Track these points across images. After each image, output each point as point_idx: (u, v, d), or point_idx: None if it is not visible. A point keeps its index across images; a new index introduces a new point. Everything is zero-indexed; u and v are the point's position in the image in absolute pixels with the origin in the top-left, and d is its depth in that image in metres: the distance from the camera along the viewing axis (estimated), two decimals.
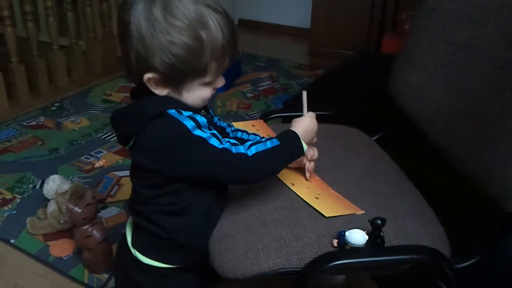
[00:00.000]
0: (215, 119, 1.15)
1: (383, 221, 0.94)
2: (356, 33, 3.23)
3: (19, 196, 2.05)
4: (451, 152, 1.21)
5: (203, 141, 0.91)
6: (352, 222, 1.01)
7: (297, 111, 1.72)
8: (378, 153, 1.36)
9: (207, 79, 0.93)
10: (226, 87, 3.03)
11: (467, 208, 1.32)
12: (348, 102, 2.01)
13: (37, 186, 2.10)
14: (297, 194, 1.10)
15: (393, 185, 1.20)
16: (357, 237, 0.93)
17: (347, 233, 0.94)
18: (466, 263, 1.03)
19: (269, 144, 0.97)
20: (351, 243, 0.93)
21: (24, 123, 2.65)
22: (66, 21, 3.04)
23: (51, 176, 1.96)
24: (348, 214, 1.05)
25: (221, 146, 0.93)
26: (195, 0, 0.88)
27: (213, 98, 3.00)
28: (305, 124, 1.06)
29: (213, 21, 0.89)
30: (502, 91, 1.06)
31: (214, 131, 0.96)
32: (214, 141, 0.92)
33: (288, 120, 1.62)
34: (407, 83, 1.39)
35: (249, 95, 3.03)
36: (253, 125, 1.37)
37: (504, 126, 1.02)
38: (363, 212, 1.06)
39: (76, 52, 3.11)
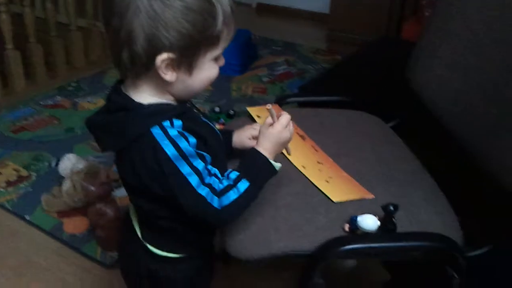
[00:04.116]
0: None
1: (396, 207, 0.93)
2: (376, 19, 3.19)
3: (34, 174, 2.08)
4: (468, 141, 1.20)
5: (182, 177, 0.85)
6: (365, 207, 1.00)
7: (312, 96, 1.72)
8: (393, 140, 1.35)
9: (218, 50, 0.89)
10: (242, 71, 3.02)
11: (482, 197, 1.31)
12: (366, 88, 1.99)
13: (53, 165, 2.13)
14: (307, 178, 1.10)
15: (407, 172, 1.19)
16: (369, 222, 0.93)
17: (359, 218, 0.94)
18: (478, 252, 1.01)
19: (241, 188, 0.89)
20: (363, 228, 0.93)
21: (41, 102, 2.68)
22: (84, 2, 3.05)
23: (67, 155, 1.98)
24: (360, 199, 1.04)
25: (200, 189, 0.86)
26: None
27: (228, 81, 3.01)
28: (274, 137, 0.95)
29: None
30: None
31: (202, 153, 0.88)
32: (194, 180, 0.86)
33: (303, 105, 1.63)
34: (425, 70, 1.37)
35: (265, 79, 3.02)
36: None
37: None
38: (373, 196, 1.05)
39: (94, 33, 3.12)
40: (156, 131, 0.85)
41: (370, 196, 1.06)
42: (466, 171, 1.29)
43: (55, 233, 1.76)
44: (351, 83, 2.05)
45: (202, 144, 0.89)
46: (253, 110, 1.36)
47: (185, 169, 0.85)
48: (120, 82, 0.92)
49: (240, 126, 1.32)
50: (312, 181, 1.10)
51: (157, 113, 0.87)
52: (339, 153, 1.22)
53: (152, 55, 0.82)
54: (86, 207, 1.74)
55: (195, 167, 0.86)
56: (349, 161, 1.20)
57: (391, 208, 0.93)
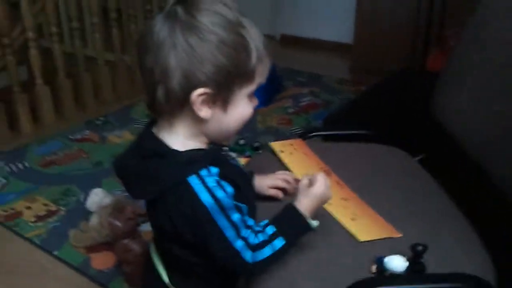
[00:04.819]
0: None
1: (425, 247, 0.91)
2: (400, 49, 3.19)
3: (63, 208, 2.10)
4: (496, 175, 1.17)
5: (218, 230, 0.85)
6: (392, 247, 0.98)
7: (336, 129, 1.71)
8: (421, 175, 1.32)
9: (253, 85, 0.88)
10: (267, 103, 3.04)
11: None
12: (391, 120, 1.98)
13: (81, 199, 2.15)
14: (332, 215, 1.09)
15: (437, 209, 1.16)
16: (397, 263, 0.91)
17: (386, 259, 0.92)
18: None
19: (276, 246, 0.89)
20: (390, 270, 0.91)
21: (69, 137, 2.72)
22: (111, 36, 3.12)
23: (94, 190, 2.01)
24: (387, 238, 1.03)
25: (235, 242, 0.86)
26: (225, 4, 0.85)
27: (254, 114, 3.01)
28: (317, 197, 0.95)
29: (247, 22, 0.86)
30: None
31: (240, 205, 0.88)
32: (230, 233, 0.85)
33: (327, 138, 1.62)
34: (449, 102, 1.35)
35: (290, 110, 3.03)
36: (291, 144, 1.36)
37: None
38: (401, 235, 1.03)
39: (121, 67, 3.19)
40: (193, 180, 0.84)
41: (397, 234, 1.04)
42: (499, 204, 1.26)
43: (82, 269, 1.77)
44: (375, 115, 2.04)
45: (238, 192, 0.89)
46: (276, 145, 1.36)
47: (222, 222, 0.85)
48: (151, 123, 0.92)
49: (263, 163, 1.32)
50: (337, 218, 1.09)
51: (194, 161, 0.86)
52: (365, 189, 1.21)
53: (188, 91, 0.82)
54: (113, 242, 1.74)
55: (231, 219, 0.86)
56: (376, 197, 1.18)
57: (420, 248, 0.91)
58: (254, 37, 0.86)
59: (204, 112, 0.85)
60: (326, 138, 1.65)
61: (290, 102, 3.13)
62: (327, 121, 2.14)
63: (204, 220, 0.84)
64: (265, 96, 3.01)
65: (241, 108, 0.89)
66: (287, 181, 1.15)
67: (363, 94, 2.56)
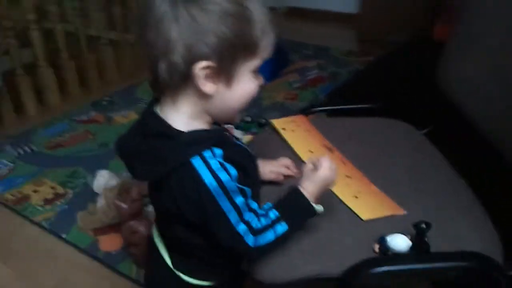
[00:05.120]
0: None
1: (428, 225, 0.89)
2: (408, 18, 3.11)
3: (71, 191, 2.10)
4: (506, 147, 1.14)
5: (221, 213, 0.84)
6: (396, 225, 0.96)
7: (340, 103, 1.68)
8: (427, 149, 1.30)
9: (257, 60, 0.86)
10: (272, 77, 2.99)
11: None
12: (397, 92, 1.94)
13: (89, 181, 2.14)
14: (335, 194, 1.07)
15: (443, 184, 1.14)
16: (400, 242, 0.89)
17: (388, 238, 0.90)
18: None
19: (278, 231, 0.88)
20: (393, 249, 0.89)
21: (75, 118, 2.71)
22: (112, 15, 3.08)
23: (100, 172, 2.00)
24: (390, 216, 1.00)
25: (238, 226, 0.85)
26: None
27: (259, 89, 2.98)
28: (321, 181, 0.93)
29: None
30: None
31: (243, 188, 0.86)
32: (233, 217, 0.84)
33: (331, 113, 1.59)
34: (456, 73, 1.31)
35: (296, 85, 2.99)
36: (293, 121, 1.34)
37: None
38: (405, 212, 1.01)
39: (124, 46, 3.15)
40: (196, 161, 0.82)
41: (401, 212, 1.02)
42: (506, 178, 1.23)
43: (90, 251, 1.77)
44: (381, 87, 2.00)
45: (242, 174, 0.87)
46: (277, 122, 1.33)
47: (225, 204, 0.83)
48: (154, 102, 0.90)
49: (265, 141, 1.30)
50: (340, 197, 1.07)
51: (198, 142, 0.84)
52: (369, 166, 1.18)
53: (190, 64, 0.80)
54: (120, 224, 1.74)
55: (235, 202, 0.84)
56: (380, 173, 1.16)
57: (423, 226, 0.89)
58: (258, 9, 0.83)
59: (208, 87, 0.83)
60: (330, 113, 1.62)
61: (296, 76, 3.09)
62: (331, 95, 2.11)
63: (208, 202, 0.83)
64: (271, 70, 2.96)
65: (246, 84, 0.87)
66: (288, 167, 1.14)
67: (368, 66, 2.51)
